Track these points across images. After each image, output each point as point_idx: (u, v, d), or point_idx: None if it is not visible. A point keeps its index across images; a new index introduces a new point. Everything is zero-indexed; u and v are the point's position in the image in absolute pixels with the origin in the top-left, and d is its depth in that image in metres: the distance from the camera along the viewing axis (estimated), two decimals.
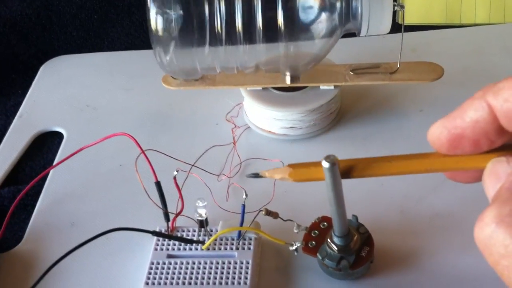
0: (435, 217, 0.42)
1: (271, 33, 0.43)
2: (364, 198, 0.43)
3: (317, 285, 0.38)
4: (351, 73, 0.49)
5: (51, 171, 0.49)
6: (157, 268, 0.38)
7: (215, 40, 0.44)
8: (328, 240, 0.37)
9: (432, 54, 0.57)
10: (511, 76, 0.23)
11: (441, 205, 0.43)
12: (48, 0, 0.66)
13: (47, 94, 0.59)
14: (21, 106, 0.58)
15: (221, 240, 0.40)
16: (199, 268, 0.38)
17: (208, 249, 0.39)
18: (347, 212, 0.35)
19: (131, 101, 0.57)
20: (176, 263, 0.39)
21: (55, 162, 0.50)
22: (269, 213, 0.39)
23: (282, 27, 0.43)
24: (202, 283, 0.37)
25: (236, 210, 0.41)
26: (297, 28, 0.43)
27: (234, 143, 0.50)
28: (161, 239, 0.40)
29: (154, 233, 0.40)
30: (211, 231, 0.40)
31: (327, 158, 0.29)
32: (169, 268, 0.38)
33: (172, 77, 0.50)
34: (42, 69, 0.63)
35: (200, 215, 0.39)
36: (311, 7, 0.43)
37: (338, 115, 0.52)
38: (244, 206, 0.39)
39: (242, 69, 0.46)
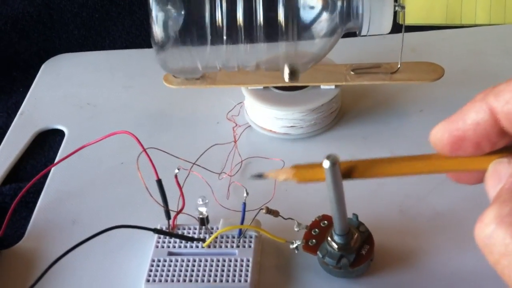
0: (435, 216, 0.42)
1: (272, 32, 0.43)
2: (365, 197, 0.43)
3: (317, 283, 0.38)
4: (352, 73, 0.50)
5: (52, 169, 0.49)
6: (158, 266, 0.38)
7: (216, 39, 0.44)
8: (329, 238, 0.37)
9: (432, 55, 0.57)
10: None
11: (441, 204, 0.43)
12: None
13: (48, 92, 0.59)
14: (22, 104, 0.58)
15: (222, 238, 0.40)
16: (199, 266, 0.38)
17: (209, 246, 0.39)
18: (348, 210, 0.35)
19: (133, 99, 0.57)
20: (177, 261, 0.39)
21: (56, 160, 0.50)
22: (269, 211, 0.39)
23: (283, 26, 0.43)
24: (202, 281, 0.37)
25: (237, 208, 0.42)
26: (298, 27, 0.43)
27: (235, 142, 0.50)
28: (162, 236, 0.40)
29: (155, 230, 0.40)
30: (212, 229, 0.40)
31: (328, 157, 0.29)
32: (170, 266, 0.38)
33: (173, 76, 0.50)
34: (43, 67, 0.63)
35: (201, 213, 0.40)
36: (312, 7, 0.43)
37: (338, 115, 0.52)
38: (244, 204, 0.39)
39: (242, 67, 0.47)
